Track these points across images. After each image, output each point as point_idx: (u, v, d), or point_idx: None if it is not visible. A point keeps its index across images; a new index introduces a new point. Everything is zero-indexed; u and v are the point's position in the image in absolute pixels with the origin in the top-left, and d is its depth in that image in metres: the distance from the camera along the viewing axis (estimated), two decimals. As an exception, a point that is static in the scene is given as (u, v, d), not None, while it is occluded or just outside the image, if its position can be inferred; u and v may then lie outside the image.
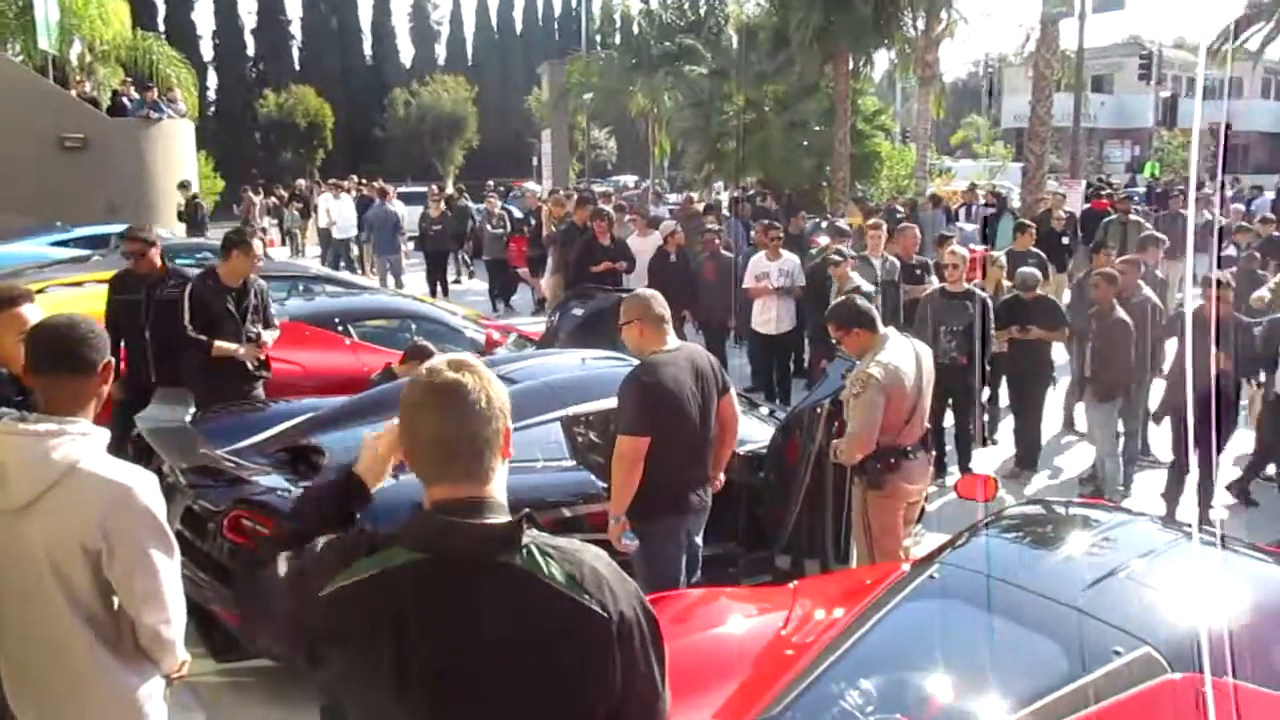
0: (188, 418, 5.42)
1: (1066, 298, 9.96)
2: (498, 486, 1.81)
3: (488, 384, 1.80)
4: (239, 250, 6.25)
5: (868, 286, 8.40)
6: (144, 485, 2.46)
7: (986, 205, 18.83)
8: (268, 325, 6.45)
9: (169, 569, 2.50)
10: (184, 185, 17.13)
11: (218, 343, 6.13)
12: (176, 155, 19.38)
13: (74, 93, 18.36)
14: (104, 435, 2.50)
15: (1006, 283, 8.49)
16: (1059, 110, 22.08)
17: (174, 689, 2.76)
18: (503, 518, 1.76)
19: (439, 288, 16.33)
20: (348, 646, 1.73)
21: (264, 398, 6.30)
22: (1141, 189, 28.22)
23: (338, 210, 18.78)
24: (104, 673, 2.50)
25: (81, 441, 2.42)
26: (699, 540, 4.59)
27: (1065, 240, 13.42)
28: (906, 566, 3.95)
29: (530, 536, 1.74)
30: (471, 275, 19.28)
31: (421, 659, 1.69)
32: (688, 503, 4.44)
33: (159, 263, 6.41)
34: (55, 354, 2.48)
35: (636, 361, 4.88)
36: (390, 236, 16.47)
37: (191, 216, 16.69)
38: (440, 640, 1.69)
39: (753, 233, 11.93)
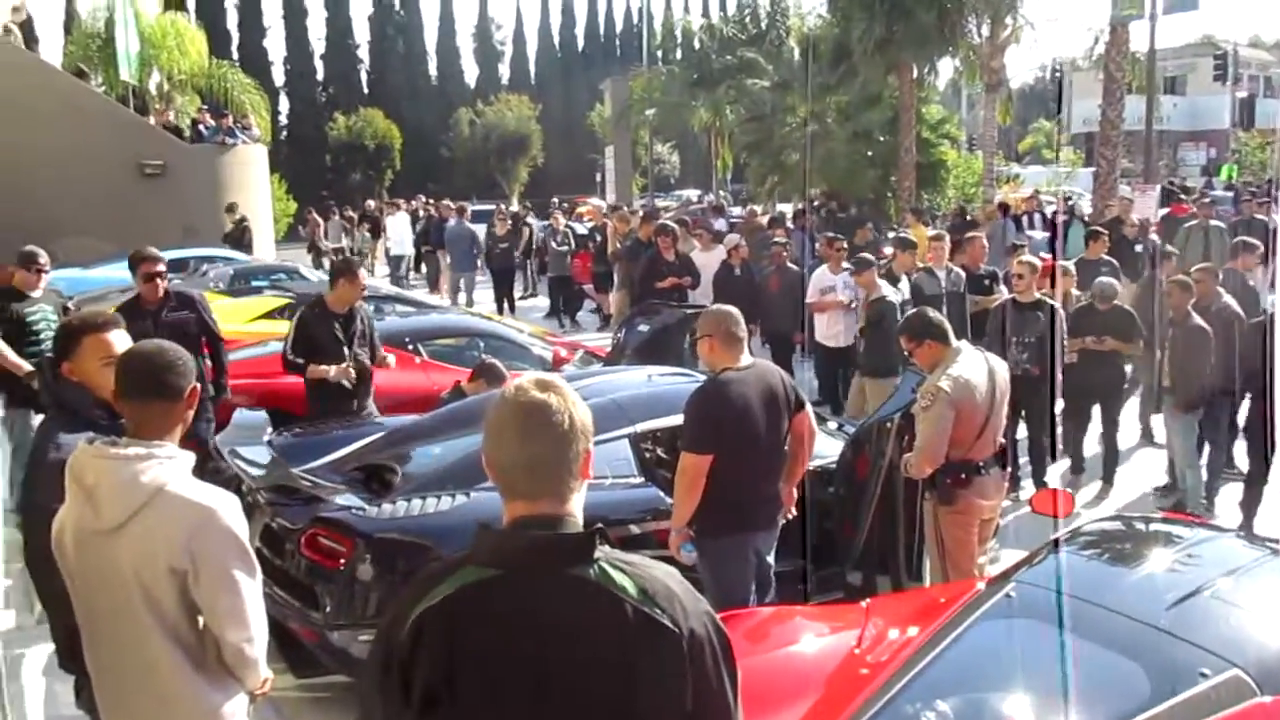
0: (265, 437, 5.56)
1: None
2: (576, 506, 1.83)
3: (573, 405, 1.83)
4: (345, 279, 6.41)
5: (894, 296, 8.36)
6: (228, 507, 2.53)
7: (1059, 213, 18.45)
8: (374, 351, 6.60)
9: (252, 589, 2.57)
10: (231, 208, 17.28)
11: (312, 366, 6.30)
12: (251, 179, 19.91)
13: (153, 121, 18.95)
14: (189, 459, 2.58)
15: (1076, 292, 8.33)
16: (1130, 113, 21.60)
17: (257, 705, 2.82)
18: (572, 531, 1.79)
19: (505, 305, 16.52)
20: (425, 668, 1.73)
21: (374, 414, 6.45)
22: (1220, 191, 27.43)
23: (392, 227, 19.26)
24: (190, 689, 2.57)
25: (169, 465, 2.50)
26: (770, 559, 4.56)
27: (1138, 248, 13.09)
28: (981, 585, 3.88)
29: (602, 552, 1.75)
30: (535, 294, 19.46)
31: (495, 674, 1.70)
32: (754, 520, 4.42)
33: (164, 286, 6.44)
34: (144, 380, 2.56)
35: (703, 377, 4.88)
36: (468, 253, 16.79)
37: (239, 239, 16.76)
38: (514, 654, 1.71)
39: (818, 245, 11.87)
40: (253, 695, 2.74)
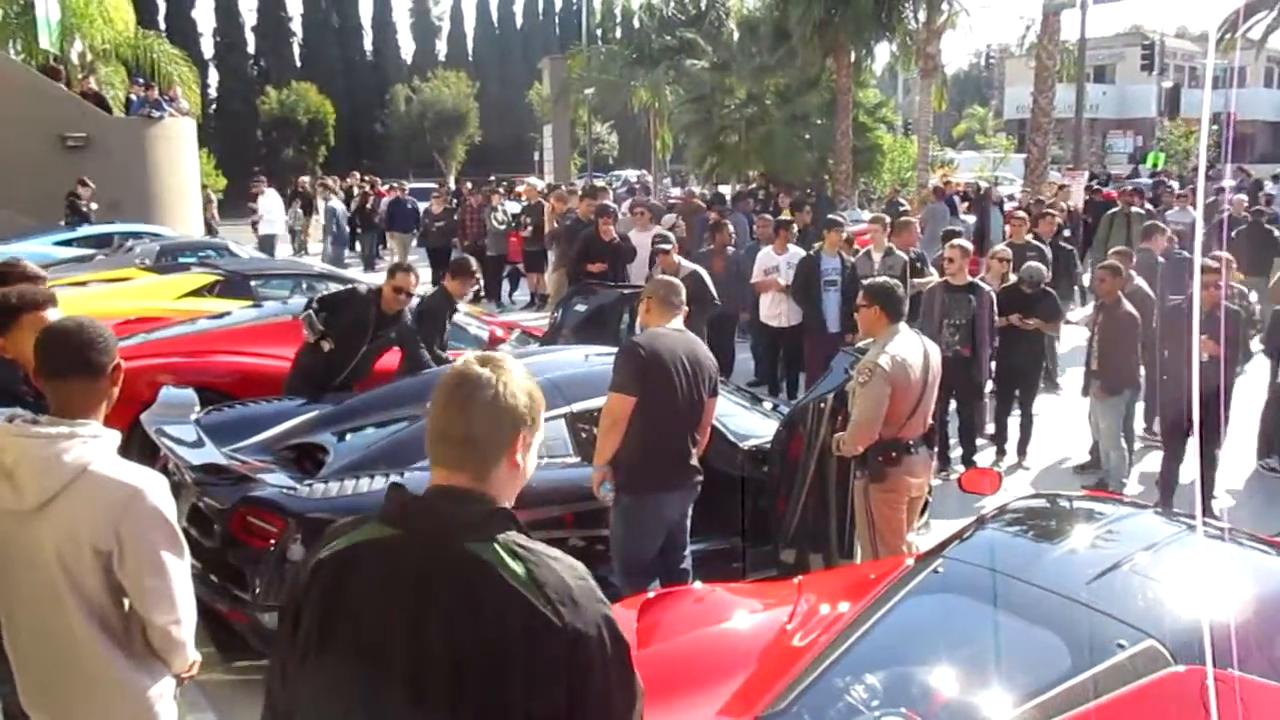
0: (193, 416, 5.44)
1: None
2: (499, 486, 1.80)
3: (511, 385, 1.80)
4: (395, 279, 6.52)
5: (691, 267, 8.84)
6: (154, 487, 2.47)
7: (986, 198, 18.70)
8: (413, 364, 6.54)
9: (179, 570, 2.52)
10: (83, 183, 15.65)
11: (310, 314, 6.47)
12: (179, 153, 19.36)
13: (79, 92, 18.29)
14: (115, 437, 2.52)
15: (1014, 276, 8.51)
16: (1061, 101, 22.00)
17: (184, 688, 2.78)
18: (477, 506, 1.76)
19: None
20: (309, 612, 1.77)
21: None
22: (1144, 180, 28.11)
23: (262, 206, 19.49)
24: (115, 673, 2.52)
25: (93, 444, 2.44)
26: (688, 515, 4.74)
27: (1066, 233, 13.40)
28: (910, 561, 3.96)
29: (508, 535, 1.73)
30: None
31: (368, 632, 1.71)
32: (671, 477, 4.60)
33: None
34: (64, 357, 2.49)
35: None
36: (341, 230, 18.93)
37: (76, 216, 15.23)
38: (390, 616, 1.71)
39: (755, 227, 11.93)
40: (180, 678, 2.69)
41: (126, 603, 2.52)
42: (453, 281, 7.02)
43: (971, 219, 16.39)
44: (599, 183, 17.20)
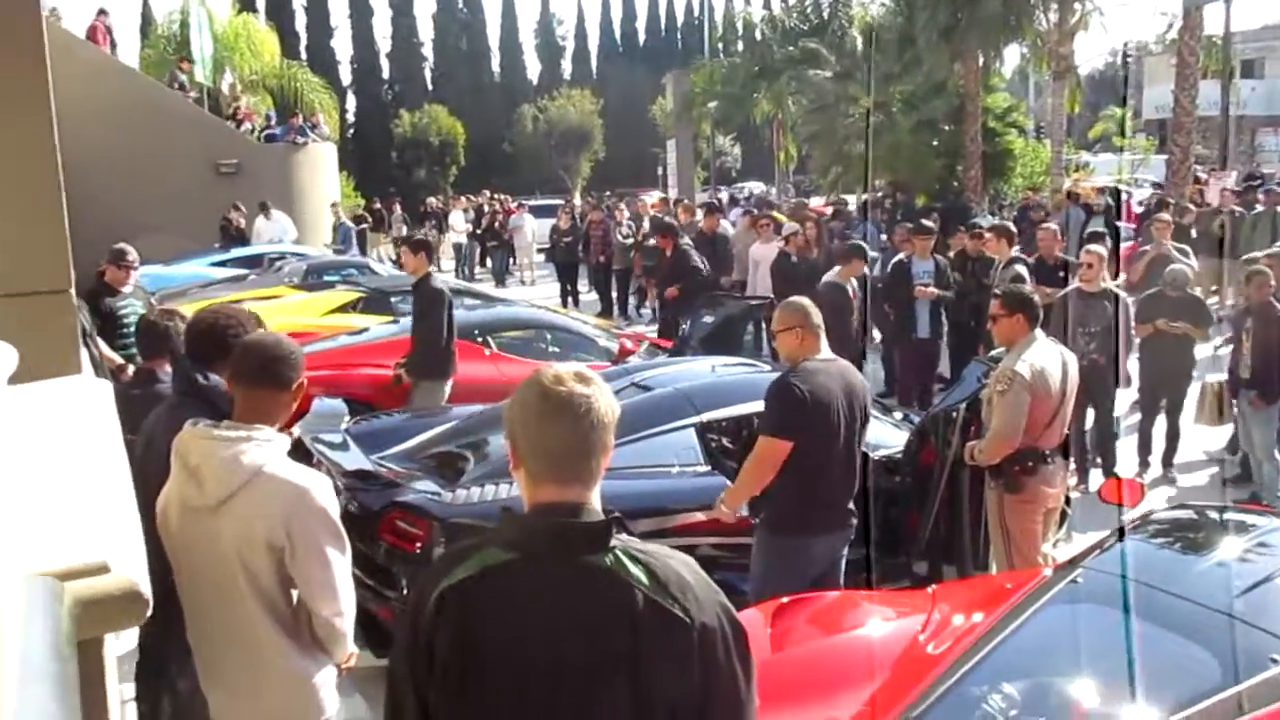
0: (343, 425, 5.74)
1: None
2: (597, 495, 1.89)
3: (609, 399, 1.90)
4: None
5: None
6: (320, 487, 2.67)
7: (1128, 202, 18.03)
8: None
9: (342, 565, 2.71)
10: (236, 207, 16.96)
11: None
12: (320, 177, 20.32)
13: (245, 126, 19.42)
14: (285, 441, 2.73)
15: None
16: (1205, 98, 21.07)
17: (340, 680, 2.96)
18: (592, 520, 1.84)
19: (569, 298, 16.66)
20: (443, 646, 1.81)
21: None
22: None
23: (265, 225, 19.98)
24: (284, 659, 2.72)
25: (267, 447, 2.65)
26: (843, 554, 4.46)
27: (1193, 234, 12.87)
28: (1048, 571, 3.90)
29: (620, 540, 1.81)
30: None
31: (507, 660, 1.78)
32: (817, 522, 4.29)
33: None
34: (258, 368, 2.73)
35: (766, 367, 4.92)
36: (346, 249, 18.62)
37: (229, 239, 16.57)
38: (526, 641, 1.78)
39: (883, 236, 11.82)
40: (340, 668, 2.88)
41: (295, 594, 2.71)
42: None
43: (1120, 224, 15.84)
44: (701, 199, 17.25)
